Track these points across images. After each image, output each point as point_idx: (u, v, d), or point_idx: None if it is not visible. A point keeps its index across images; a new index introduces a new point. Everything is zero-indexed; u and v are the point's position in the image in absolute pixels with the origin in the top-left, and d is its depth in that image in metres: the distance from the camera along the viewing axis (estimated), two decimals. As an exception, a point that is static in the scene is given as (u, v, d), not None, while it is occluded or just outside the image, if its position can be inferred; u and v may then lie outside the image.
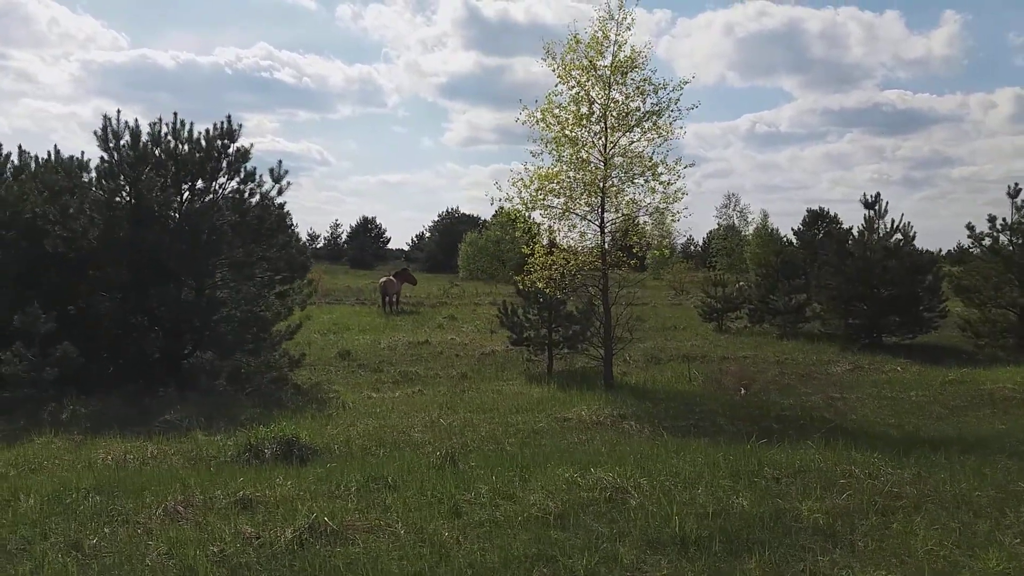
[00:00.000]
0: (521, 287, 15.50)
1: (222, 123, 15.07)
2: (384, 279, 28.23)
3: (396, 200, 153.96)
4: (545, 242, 14.75)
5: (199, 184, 14.93)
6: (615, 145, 13.44)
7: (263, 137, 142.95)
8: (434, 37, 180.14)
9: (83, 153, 15.15)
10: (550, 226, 14.29)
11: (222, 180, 15.15)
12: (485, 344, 20.45)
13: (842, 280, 20.51)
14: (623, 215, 13.69)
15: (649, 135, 13.31)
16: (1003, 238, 19.55)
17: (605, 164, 13.57)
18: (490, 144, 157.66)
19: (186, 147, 14.70)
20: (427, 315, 27.11)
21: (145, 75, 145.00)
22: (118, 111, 14.42)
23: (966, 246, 27.98)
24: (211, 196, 14.95)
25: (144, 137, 14.53)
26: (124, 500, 6.24)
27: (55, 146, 16.06)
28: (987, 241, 19.79)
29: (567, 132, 13.57)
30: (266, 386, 15.00)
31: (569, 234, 14.16)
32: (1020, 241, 19.22)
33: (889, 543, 5.00)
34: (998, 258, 19.35)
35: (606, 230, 13.91)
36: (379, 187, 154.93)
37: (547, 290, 14.85)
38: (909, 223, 20.22)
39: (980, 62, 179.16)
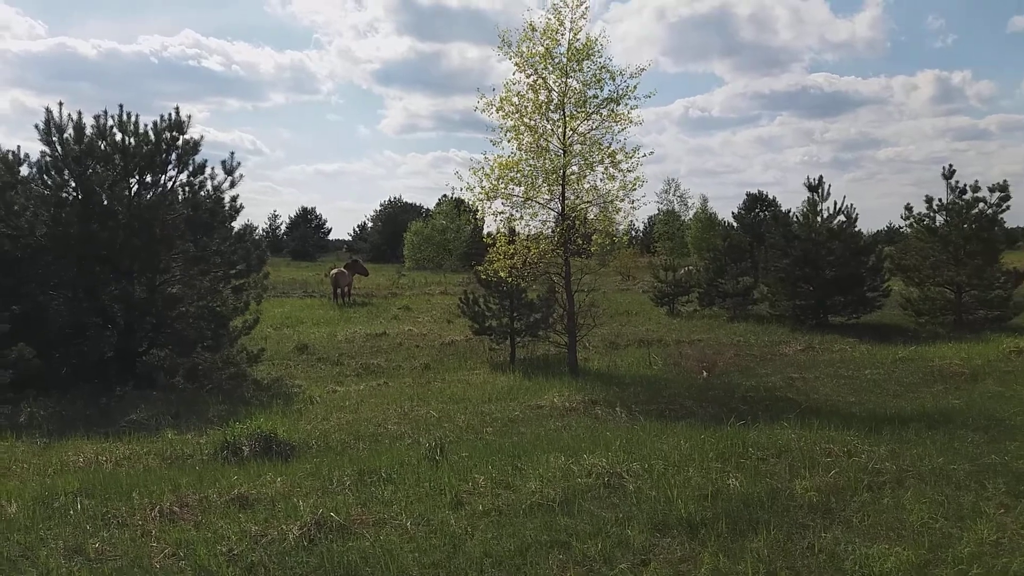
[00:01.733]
0: (483, 276, 15.52)
1: (170, 115, 14.66)
2: (335, 271, 27.91)
3: (333, 190, 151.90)
4: (505, 231, 14.79)
5: (148, 177, 14.58)
6: (574, 132, 13.55)
7: (192, 128, 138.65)
8: (366, 23, 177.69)
9: (19, 148, 14.54)
10: (511, 215, 14.30)
11: (172, 173, 14.81)
12: (444, 334, 20.44)
13: (789, 262, 21.07)
14: (584, 203, 13.80)
15: (607, 123, 13.44)
16: (939, 218, 20.33)
17: (565, 152, 13.67)
18: (428, 131, 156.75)
19: (133, 140, 14.31)
20: (381, 306, 26.92)
21: (65, 65, 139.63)
22: (60, 103, 13.88)
23: (897, 226, 29.03)
24: (161, 189, 14.61)
25: (88, 130, 14.11)
26: (115, 503, 6.11)
27: (-8, 140, 15.44)
28: (925, 221, 20.55)
29: (526, 120, 13.61)
30: (225, 382, 14.73)
31: (530, 223, 14.22)
32: (955, 221, 20.01)
33: (883, 518, 5.23)
34: (935, 238, 20.12)
35: (567, 218, 14.00)
36: (315, 177, 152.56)
37: (509, 279, 14.93)
38: (852, 205, 20.91)
39: (902, 45, 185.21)
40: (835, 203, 21.06)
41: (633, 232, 73.74)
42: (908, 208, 20.69)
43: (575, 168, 13.62)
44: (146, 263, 14.01)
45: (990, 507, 5.37)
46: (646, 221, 67.01)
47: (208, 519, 5.72)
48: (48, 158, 14.03)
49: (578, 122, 13.43)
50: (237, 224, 15.68)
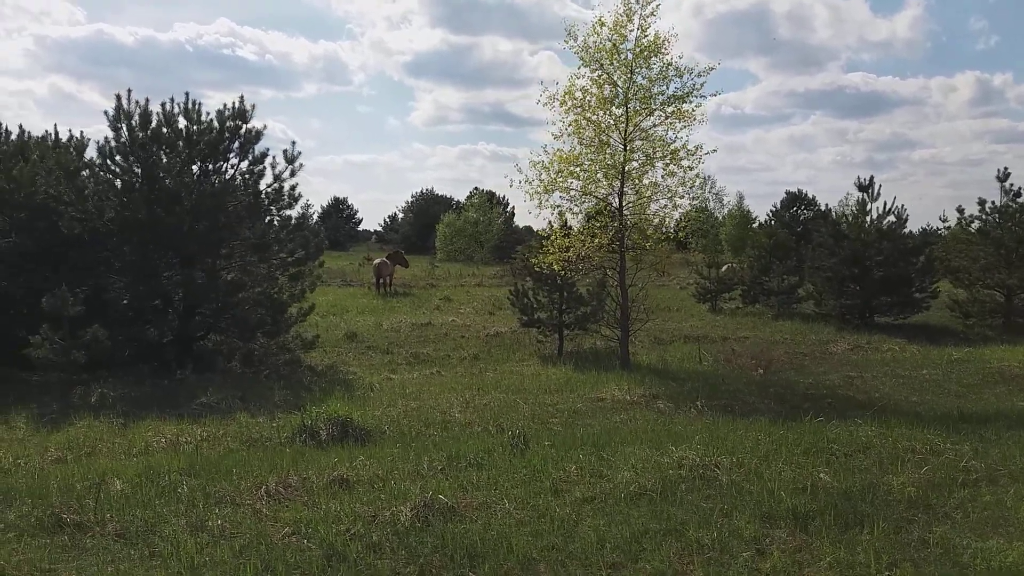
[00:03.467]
0: (537, 269, 15.63)
1: (234, 103, 14.97)
2: (378, 261, 28.17)
3: (362, 180, 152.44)
4: (559, 224, 14.88)
5: (211, 165, 14.84)
6: (636, 128, 13.59)
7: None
8: (399, 14, 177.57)
9: (82, 131, 14.92)
10: (568, 208, 14.39)
11: (234, 161, 15.07)
12: (487, 326, 20.59)
13: (836, 261, 20.97)
14: (644, 198, 13.85)
15: (671, 120, 13.47)
16: (991, 220, 20.15)
17: (625, 147, 13.72)
18: (457, 124, 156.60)
19: (198, 127, 14.58)
20: (422, 297, 27.13)
21: (103, 51, 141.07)
22: (128, 90, 14.18)
23: (935, 227, 28.72)
24: (224, 176, 14.87)
25: (155, 117, 14.40)
26: (219, 482, 6.30)
27: (55, 126, 15.80)
28: (975, 224, 20.38)
29: (587, 115, 13.69)
30: (282, 368, 15.00)
31: (588, 216, 14.29)
32: (1008, 224, 19.82)
33: (987, 514, 5.28)
34: (987, 240, 19.93)
35: (626, 213, 14.06)
36: (344, 167, 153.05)
37: (562, 272, 15.04)
38: (903, 205, 20.76)
39: (942, 46, 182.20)
40: (885, 203, 20.93)
41: (664, 229, 73.86)
42: (959, 210, 20.56)
43: (635, 163, 13.67)
44: (209, 249, 14.28)
45: (1093, 507, 5.39)
46: (678, 217, 66.65)
47: (314, 499, 5.89)
48: (113, 143, 14.35)
49: (641, 118, 13.48)
50: (295, 212, 15.96)
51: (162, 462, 7.00)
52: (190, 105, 14.51)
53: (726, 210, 53.38)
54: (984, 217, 20.28)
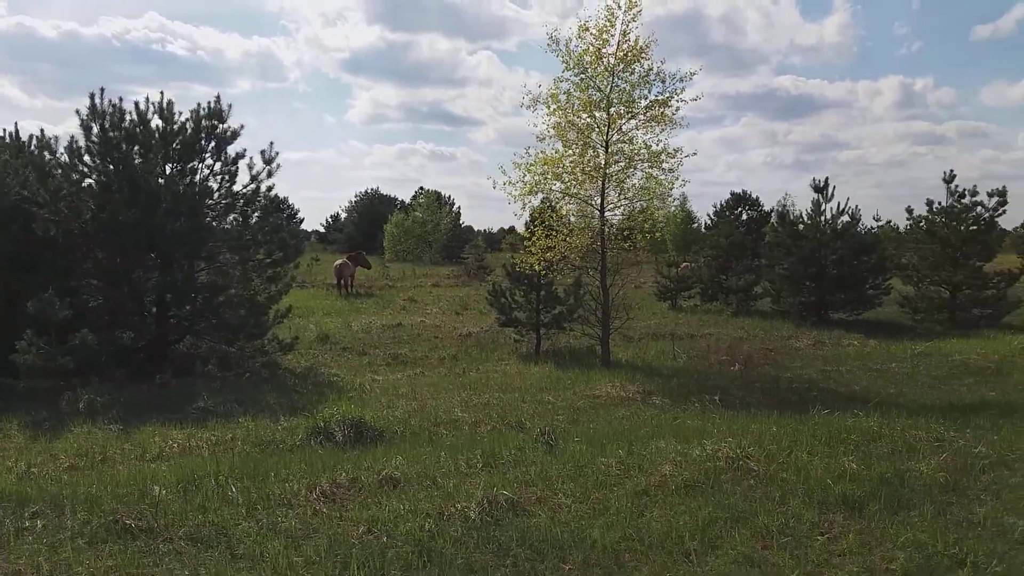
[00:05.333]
0: (517, 268, 15.82)
1: (210, 103, 14.77)
2: (339, 262, 27.98)
3: (298, 179, 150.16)
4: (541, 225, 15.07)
5: (187, 165, 14.60)
6: (618, 131, 13.90)
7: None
8: (335, 10, 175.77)
9: (42, 130, 14.48)
10: (549, 209, 14.61)
11: (209, 161, 14.85)
12: (458, 326, 20.67)
13: (794, 260, 21.71)
14: (626, 199, 14.17)
15: (651, 124, 13.81)
16: (938, 220, 21.15)
17: (607, 150, 14.01)
18: (395, 122, 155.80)
19: (173, 127, 14.34)
20: (385, 297, 27.03)
21: (25, 45, 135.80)
22: (101, 89, 13.86)
23: (869, 227, 30.09)
24: (201, 177, 14.65)
25: (128, 116, 14.11)
26: (267, 485, 6.30)
27: (15, 125, 15.32)
28: (923, 224, 21.37)
29: (570, 118, 13.94)
30: (260, 371, 14.86)
31: (571, 217, 14.54)
32: (954, 223, 20.84)
33: (1017, 494, 5.67)
34: (935, 240, 20.92)
35: (606, 214, 14.37)
36: (280, 165, 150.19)
37: (543, 272, 15.27)
38: (857, 206, 21.61)
39: (868, 51, 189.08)
40: (839, 204, 21.77)
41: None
42: (909, 210, 21.53)
43: (617, 166, 13.96)
44: (189, 250, 14.05)
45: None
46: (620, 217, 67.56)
47: (370, 499, 5.95)
48: (84, 143, 14.00)
49: (623, 121, 13.78)
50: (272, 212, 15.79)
51: (197, 467, 6.93)
52: (164, 104, 14.27)
53: (670, 210, 54.25)
54: (931, 217, 21.25)
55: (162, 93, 14.21)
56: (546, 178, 14.01)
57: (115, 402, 11.48)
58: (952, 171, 20.88)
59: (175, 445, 8.88)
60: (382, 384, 13.61)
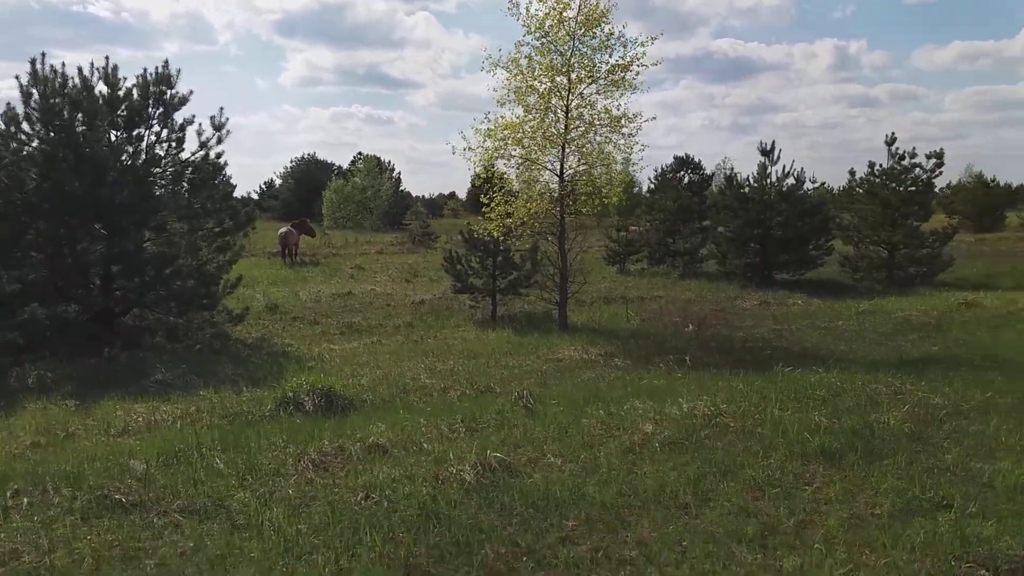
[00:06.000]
0: (476, 235, 15.81)
1: (156, 68, 14.29)
2: (284, 230, 27.44)
3: (228, 145, 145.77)
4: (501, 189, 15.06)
5: (134, 132, 14.12)
6: (579, 96, 13.92)
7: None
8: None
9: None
10: (510, 175, 14.62)
11: (156, 128, 14.38)
12: (409, 293, 20.58)
13: (740, 223, 22.19)
14: (586, 165, 14.23)
15: (611, 89, 13.86)
16: (879, 181, 21.85)
17: (567, 115, 14.04)
18: (330, 86, 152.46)
19: (119, 93, 13.83)
20: (331, 266, 26.70)
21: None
22: (42, 54, 13.24)
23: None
24: (149, 144, 14.19)
25: (71, 82, 13.56)
26: (252, 456, 6.26)
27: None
28: (865, 186, 22.06)
29: (530, 82, 13.89)
30: (211, 342, 14.61)
31: (528, 183, 14.56)
32: (893, 185, 21.56)
33: (980, 441, 6.01)
34: (876, 201, 21.62)
35: (565, 179, 14.43)
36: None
37: (502, 238, 15.29)
38: (802, 168, 22.14)
39: (805, 13, 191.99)
40: (783, 167, 22.27)
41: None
42: (851, 172, 22.21)
43: (578, 131, 14.00)
44: (138, 220, 13.63)
45: (1058, 431, 6.24)
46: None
47: (360, 466, 5.97)
48: (22, 111, 13.41)
49: (584, 86, 13.80)
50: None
51: (176, 440, 6.84)
52: (109, 70, 13.74)
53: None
54: (872, 178, 21.93)
55: (107, 58, 13.81)
56: (506, 144, 13.97)
57: (66, 377, 11.18)
58: (893, 134, 21.60)
59: (140, 419, 8.71)
60: (340, 353, 13.53)
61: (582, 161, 14.20)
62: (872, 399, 7.53)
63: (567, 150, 14.13)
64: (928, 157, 21.12)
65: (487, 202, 14.58)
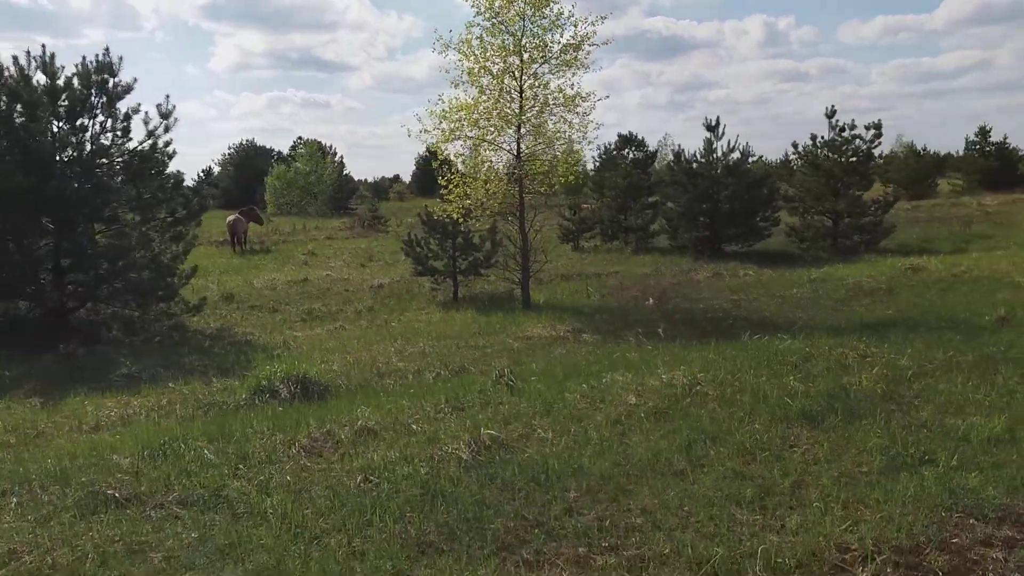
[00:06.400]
0: (435, 217, 15.77)
1: (97, 56, 13.93)
2: (232, 217, 26.90)
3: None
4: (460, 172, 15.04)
5: (78, 123, 13.72)
6: (532, 76, 13.94)
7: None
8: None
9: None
10: (467, 157, 14.60)
11: (101, 118, 13.99)
12: (367, 278, 20.45)
13: (690, 198, 22.54)
14: (541, 144, 14.30)
15: (563, 69, 13.91)
16: (821, 153, 22.40)
17: (521, 95, 14.06)
18: (263, 70, 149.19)
19: (60, 83, 13.40)
20: (284, 252, 26.33)
21: None
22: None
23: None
24: (94, 134, 13.80)
25: (7, 72, 13.11)
26: (243, 445, 6.21)
27: None
28: (809, 158, 22.59)
29: (482, 63, 13.86)
30: (171, 334, 14.36)
31: (485, 164, 14.58)
32: (835, 156, 22.12)
33: (946, 399, 6.28)
34: (819, 172, 22.17)
35: (522, 159, 14.47)
36: (137, 121, 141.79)
37: (460, 220, 15.29)
38: (747, 143, 22.57)
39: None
40: (728, 141, 22.66)
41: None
42: (794, 144, 22.67)
43: (531, 112, 14.04)
44: (90, 212, 13.27)
45: (1017, 386, 6.55)
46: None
47: (352, 450, 5.97)
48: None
49: (537, 66, 13.83)
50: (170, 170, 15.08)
51: (160, 432, 6.74)
52: (47, 59, 13.28)
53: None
54: (815, 150, 22.48)
55: (43, 47, 13.31)
56: (462, 125, 13.93)
57: (24, 375, 10.94)
58: (833, 107, 22.19)
59: (112, 414, 8.55)
60: (305, 340, 13.43)
61: (538, 141, 14.24)
62: (841, 363, 7.78)
63: (523, 130, 14.15)
64: (867, 128, 21.78)
65: (445, 184, 14.54)
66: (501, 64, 13.77)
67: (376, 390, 9.05)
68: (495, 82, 13.80)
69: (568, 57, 13.71)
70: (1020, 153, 47.37)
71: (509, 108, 13.96)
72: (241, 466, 5.69)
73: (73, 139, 13.56)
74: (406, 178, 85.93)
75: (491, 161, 14.56)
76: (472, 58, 13.71)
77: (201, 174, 78.32)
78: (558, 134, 14.20)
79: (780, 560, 3.76)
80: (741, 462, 5.17)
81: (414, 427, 6.50)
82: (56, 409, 9.07)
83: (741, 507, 4.49)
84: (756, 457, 5.22)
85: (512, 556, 4.06)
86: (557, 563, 3.96)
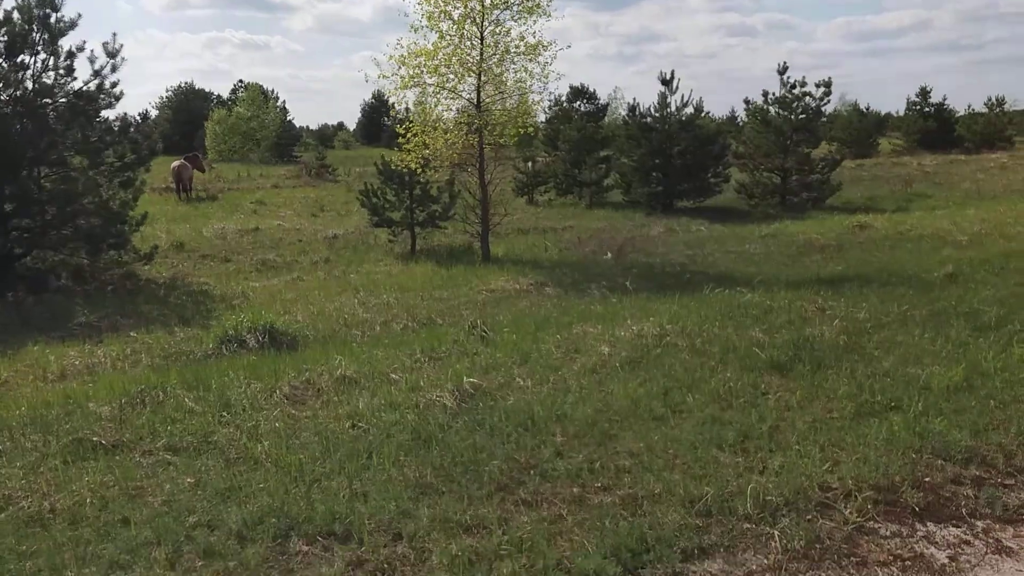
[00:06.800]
0: (392, 167, 15.63)
1: (38, -11, 13.23)
2: (177, 163, 26.13)
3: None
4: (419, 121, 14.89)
5: (19, 59, 13.14)
6: (493, 23, 13.82)
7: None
8: None
9: None
10: (426, 104, 14.45)
11: (44, 56, 13.41)
12: (320, 228, 20.23)
13: (643, 153, 22.74)
14: (501, 93, 14.23)
15: (524, 16, 13.81)
16: (772, 110, 22.76)
17: (482, 42, 13.93)
18: (200, 8, 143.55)
19: (0, 16, 12.80)
20: (231, 200, 25.79)
21: None
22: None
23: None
24: (36, 73, 13.24)
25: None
26: (223, 393, 6.20)
27: None
28: (759, 116, 22.93)
29: (443, 7, 13.68)
30: (123, 282, 14.08)
31: (445, 113, 14.47)
32: (786, 112, 22.51)
33: (905, 350, 6.61)
34: (769, 128, 22.55)
35: (483, 108, 14.40)
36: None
37: (419, 171, 15.19)
38: (701, 98, 22.78)
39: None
40: (682, 96, 22.85)
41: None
42: (746, 101, 22.97)
43: (493, 61, 13.94)
44: (35, 156, 12.80)
45: (969, 338, 6.92)
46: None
47: (335, 398, 6.03)
48: None
49: (499, 11, 13.69)
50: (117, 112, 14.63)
51: (137, 380, 6.67)
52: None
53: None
54: (765, 107, 22.82)
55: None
56: (421, 72, 13.77)
57: (-25, 324, 10.60)
58: (785, 63, 22.50)
59: (76, 363, 8.42)
60: (263, 291, 13.30)
61: (498, 91, 14.17)
62: (801, 316, 8.08)
63: (483, 79, 14.06)
64: (817, 86, 22.19)
65: (403, 133, 14.39)
66: (462, 8, 13.59)
67: (347, 340, 9.06)
68: (456, 27, 13.64)
69: (531, 4, 13.61)
70: (957, 115, 48.70)
71: (470, 55, 13.83)
72: (225, 413, 5.70)
73: (13, 76, 12.98)
74: (351, 126, 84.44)
75: (452, 109, 14.43)
76: (432, 2, 13.50)
77: (137, 117, 75.80)
78: (519, 84, 14.14)
79: (769, 499, 3.99)
80: (718, 408, 5.40)
81: (394, 376, 6.57)
82: (16, 358, 8.87)
83: (723, 450, 4.71)
84: (732, 404, 5.45)
85: (511, 496, 4.21)
86: (555, 502, 4.13)
